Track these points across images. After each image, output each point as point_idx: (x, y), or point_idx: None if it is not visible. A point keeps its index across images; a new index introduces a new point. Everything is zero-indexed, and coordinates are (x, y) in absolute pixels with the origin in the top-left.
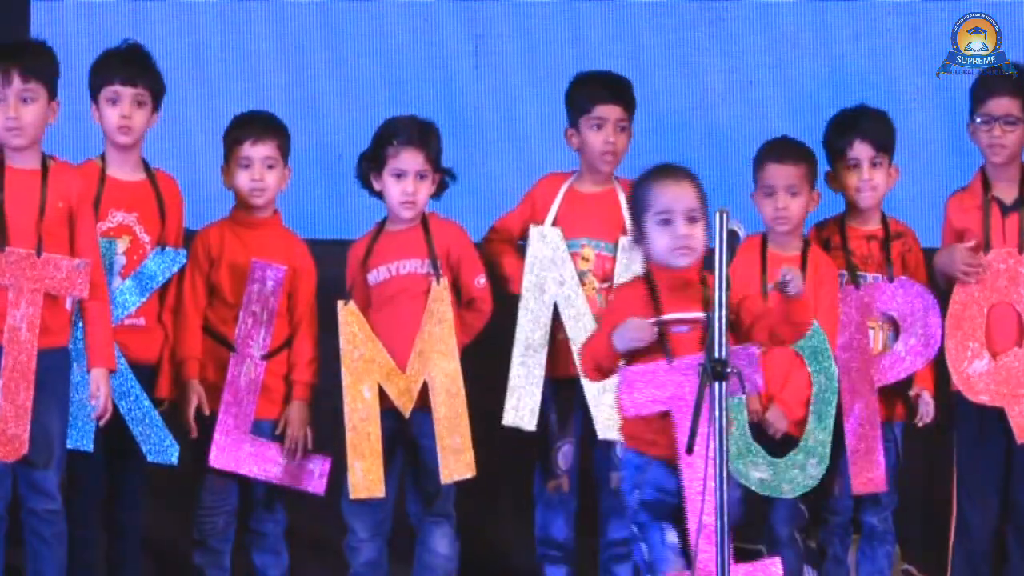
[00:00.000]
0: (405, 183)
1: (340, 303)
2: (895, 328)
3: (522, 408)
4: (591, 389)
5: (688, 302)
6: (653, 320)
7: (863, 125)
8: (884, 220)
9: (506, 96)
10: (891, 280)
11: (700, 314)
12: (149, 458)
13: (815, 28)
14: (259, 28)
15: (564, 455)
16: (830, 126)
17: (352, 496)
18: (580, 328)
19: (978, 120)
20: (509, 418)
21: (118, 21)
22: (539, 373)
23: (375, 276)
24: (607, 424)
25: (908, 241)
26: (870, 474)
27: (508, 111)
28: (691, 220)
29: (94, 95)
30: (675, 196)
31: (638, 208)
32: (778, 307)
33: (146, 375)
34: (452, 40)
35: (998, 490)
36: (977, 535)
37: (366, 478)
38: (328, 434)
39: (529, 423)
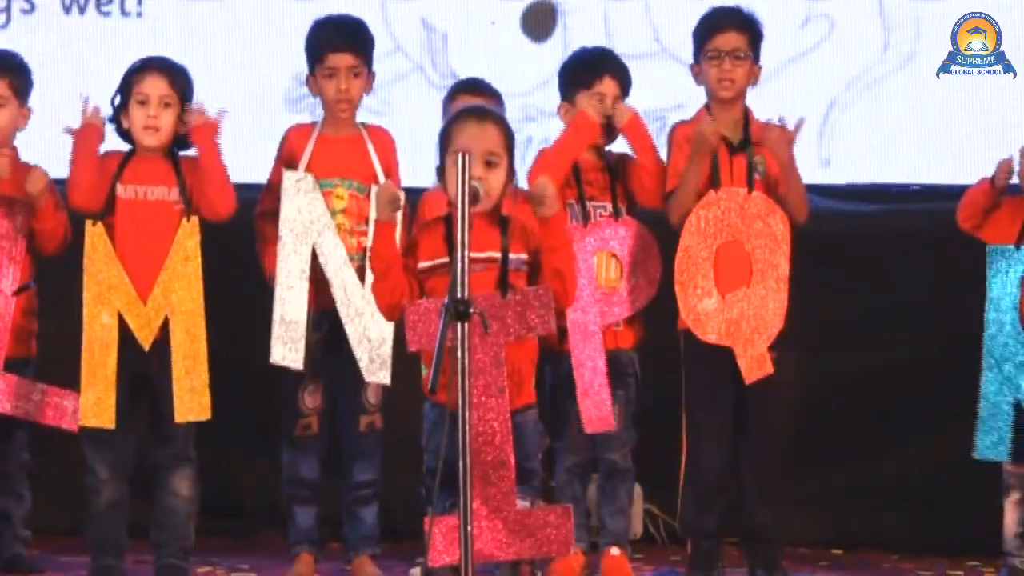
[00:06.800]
0: (148, 108)
1: (88, 223)
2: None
3: (288, 346)
4: (353, 332)
5: (488, 242)
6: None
7: (612, 64)
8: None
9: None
10: (617, 214)
11: (494, 254)
12: None
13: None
14: None
15: (311, 394)
16: (575, 62)
17: (81, 422)
18: (337, 269)
19: (710, 54)
20: (277, 356)
21: None
22: (302, 310)
23: (124, 191)
24: (369, 368)
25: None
26: (599, 412)
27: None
28: (488, 164)
29: None
30: (473, 136)
31: (441, 145)
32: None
33: None
34: None
35: (729, 429)
36: (708, 475)
37: (97, 407)
38: None
39: (295, 361)
